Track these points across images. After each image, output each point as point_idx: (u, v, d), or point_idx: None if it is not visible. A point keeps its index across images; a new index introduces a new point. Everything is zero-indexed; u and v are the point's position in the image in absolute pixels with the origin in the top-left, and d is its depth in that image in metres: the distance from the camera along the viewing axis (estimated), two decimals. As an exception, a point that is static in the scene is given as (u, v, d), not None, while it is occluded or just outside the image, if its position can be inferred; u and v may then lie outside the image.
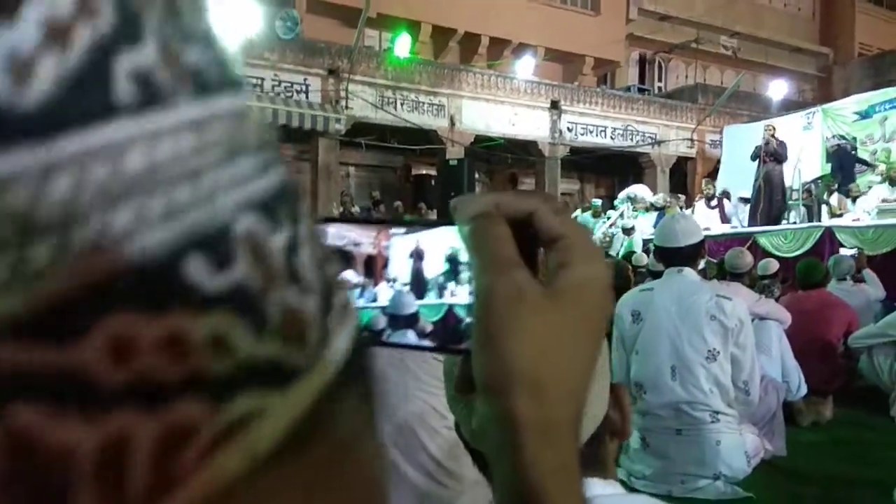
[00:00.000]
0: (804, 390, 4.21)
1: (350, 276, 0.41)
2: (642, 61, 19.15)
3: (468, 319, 0.36)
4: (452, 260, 0.39)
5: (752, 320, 3.38)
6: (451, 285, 0.39)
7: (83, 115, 0.13)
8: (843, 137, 10.66)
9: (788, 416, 4.10)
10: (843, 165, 10.18)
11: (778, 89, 16.55)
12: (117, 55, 0.14)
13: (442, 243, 0.39)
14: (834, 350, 4.81)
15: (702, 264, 3.24)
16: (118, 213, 0.14)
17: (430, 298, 0.40)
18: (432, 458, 1.98)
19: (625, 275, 4.95)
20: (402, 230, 0.41)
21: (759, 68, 19.97)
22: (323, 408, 0.17)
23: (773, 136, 9.92)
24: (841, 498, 3.12)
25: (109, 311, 0.13)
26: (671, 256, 2.88)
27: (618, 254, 11.01)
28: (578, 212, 13.99)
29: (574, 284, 0.35)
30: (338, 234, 0.41)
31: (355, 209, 12.75)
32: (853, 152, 10.36)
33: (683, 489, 2.77)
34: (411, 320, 0.41)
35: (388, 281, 0.40)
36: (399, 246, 0.40)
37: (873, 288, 5.76)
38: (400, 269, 0.40)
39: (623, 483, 2.93)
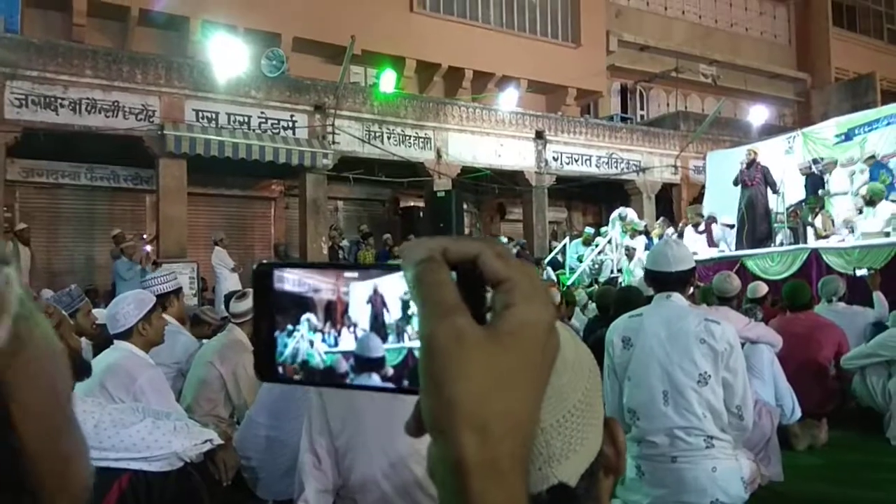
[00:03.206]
0: (798, 413, 4.19)
1: (310, 320, 0.42)
2: (624, 91, 19.46)
3: None
4: (406, 304, 0.40)
5: (743, 345, 3.38)
6: (409, 328, 0.40)
7: None
8: (816, 161, 10.83)
9: (784, 440, 4.08)
10: (816, 189, 10.33)
11: (758, 114, 16.84)
12: None
13: (398, 287, 0.40)
14: (826, 372, 4.80)
15: (690, 290, 3.24)
16: None
17: (390, 342, 0.41)
18: (427, 494, 1.95)
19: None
20: (358, 275, 0.41)
21: (738, 95, 20.34)
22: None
23: (753, 160, 10.05)
24: (840, 522, 3.09)
25: None
26: (662, 281, 2.88)
27: (615, 280, 11.04)
28: (568, 239, 14.06)
29: (516, 325, 0.36)
30: (298, 282, 0.42)
31: (344, 243, 12.75)
32: (822, 177, 10.52)
33: (681, 518, 2.72)
34: (377, 364, 0.41)
35: (349, 326, 0.41)
36: (357, 291, 0.41)
37: (879, 308, 5.60)
38: (359, 313, 0.41)
39: (620, 515, 2.88)
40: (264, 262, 0.45)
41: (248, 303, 3.59)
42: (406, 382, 0.40)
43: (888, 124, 10.55)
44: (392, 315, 0.41)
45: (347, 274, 0.42)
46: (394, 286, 0.41)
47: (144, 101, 10.65)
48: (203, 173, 11.54)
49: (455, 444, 0.34)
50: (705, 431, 2.65)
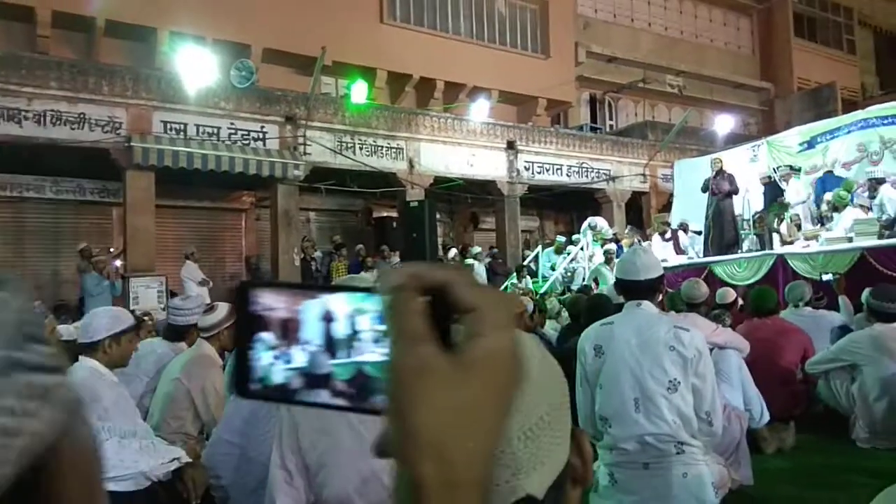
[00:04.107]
0: (767, 417, 4.26)
1: (268, 339, 0.43)
2: (593, 101, 19.70)
3: (378, 377, 0.40)
4: (353, 320, 0.42)
5: (711, 350, 3.42)
6: (357, 344, 0.42)
7: None
8: (775, 170, 11.08)
9: (752, 443, 4.13)
10: (775, 198, 10.56)
11: (724, 124, 17.18)
12: None
13: (348, 304, 0.42)
14: (792, 376, 4.88)
15: (660, 297, 3.28)
16: None
17: (341, 358, 0.42)
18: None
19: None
20: (316, 293, 0.43)
21: (704, 104, 20.73)
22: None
23: (720, 168, 10.25)
24: (809, 524, 3.13)
25: None
26: (632, 289, 2.91)
27: (588, 288, 11.13)
28: (540, 248, 14.15)
29: (481, 355, 0.37)
30: (252, 300, 0.44)
31: (317, 254, 12.66)
32: (777, 186, 10.76)
33: (653, 524, 2.74)
34: (325, 380, 0.42)
35: (302, 343, 0.43)
36: (310, 309, 0.43)
37: (844, 313, 5.68)
38: (312, 331, 0.43)
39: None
40: (244, 280, 0.47)
41: (216, 316, 3.54)
42: (358, 397, 0.42)
43: (848, 132, 10.83)
44: (342, 331, 0.42)
45: (322, 295, 0.43)
46: (344, 303, 0.42)
47: (111, 112, 10.49)
48: (171, 185, 11.39)
49: (415, 472, 0.36)
50: (675, 437, 2.67)
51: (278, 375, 0.43)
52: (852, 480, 3.93)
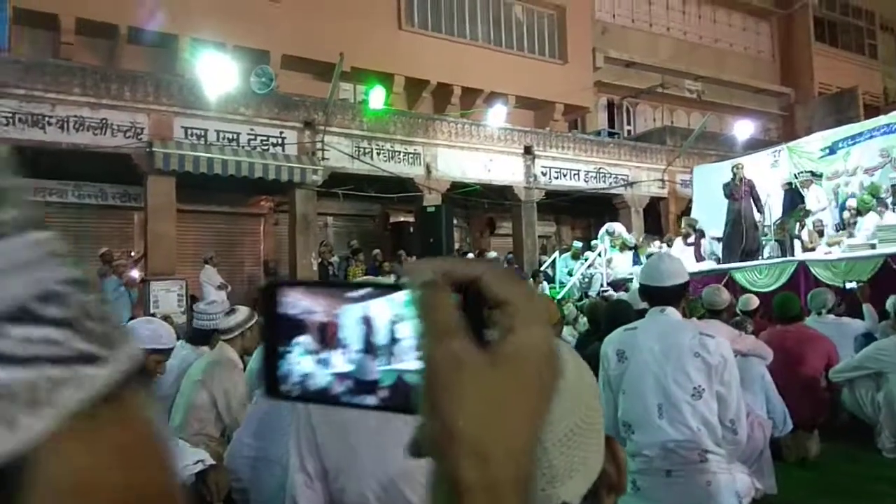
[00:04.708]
0: (790, 426, 4.20)
1: (306, 342, 0.42)
2: (611, 106, 19.62)
3: (417, 384, 0.38)
4: (393, 328, 0.41)
5: (735, 357, 3.39)
6: (397, 351, 0.41)
7: None
8: (796, 176, 10.95)
9: (775, 452, 4.08)
10: (795, 205, 10.43)
11: (743, 129, 17.02)
12: None
13: (388, 310, 0.41)
14: (816, 384, 4.81)
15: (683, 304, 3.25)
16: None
17: (381, 364, 0.41)
18: (418, 516, 1.93)
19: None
20: (354, 296, 0.42)
21: (724, 109, 20.56)
22: (117, 383, 0.28)
23: (742, 175, 10.16)
24: (834, 534, 3.09)
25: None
26: (656, 295, 2.89)
27: (607, 294, 11.04)
28: (557, 253, 14.10)
29: (515, 349, 0.37)
30: (292, 303, 0.43)
31: (334, 259, 12.72)
32: (798, 192, 10.63)
33: (676, 533, 2.71)
34: (373, 386, 0.41)
35: (341, 347, 0.42)
36: (349, 313, 0.42)
37: (869, 320, 5.59)
38: (351, 335, 0.42)
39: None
40: (272, 279, 0.46)
41: (236, 318, 3.56)
42: (398, 401, 0.41)
43: (871, 137, 10.69)
44: (382, 338, 0.41)
45: (349, 294, 0.42)
46: (384, 309, 0.41)
47: (133, 118, 10.63)
48: (192, 190, 11.50)
49: (454, 469, 0.35)
50: (700, 445, 2.64)
51: (319, 379, 0.42)
52: (878, 491, 3.87)
